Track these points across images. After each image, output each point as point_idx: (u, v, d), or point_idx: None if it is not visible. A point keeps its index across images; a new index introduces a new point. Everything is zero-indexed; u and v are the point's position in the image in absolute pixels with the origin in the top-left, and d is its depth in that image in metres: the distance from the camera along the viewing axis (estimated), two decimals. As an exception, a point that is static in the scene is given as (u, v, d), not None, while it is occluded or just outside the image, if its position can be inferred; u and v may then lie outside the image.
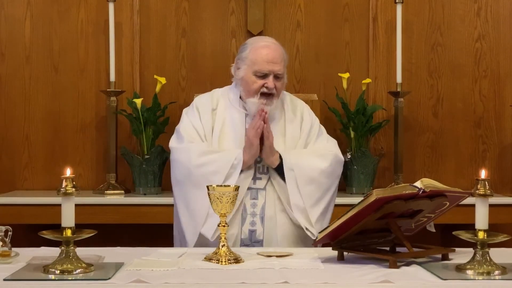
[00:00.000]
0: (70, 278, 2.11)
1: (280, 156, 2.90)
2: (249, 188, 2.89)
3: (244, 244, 2.83)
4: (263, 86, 2.91)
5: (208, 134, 2.97)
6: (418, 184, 2.42)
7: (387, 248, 2.51)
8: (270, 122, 2.96)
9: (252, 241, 2.86)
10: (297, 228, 2.89)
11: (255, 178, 2.92)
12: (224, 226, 2.41)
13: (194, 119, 3.00)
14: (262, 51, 2.92)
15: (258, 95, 2.92)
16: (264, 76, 2.91)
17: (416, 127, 4.46)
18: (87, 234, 2.22)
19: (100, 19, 4.32)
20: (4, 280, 2.09)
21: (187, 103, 4.22)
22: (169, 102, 4.19)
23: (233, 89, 3.05)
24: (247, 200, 2.89)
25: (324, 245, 2.46)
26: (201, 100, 3.07)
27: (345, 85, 4.27)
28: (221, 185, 2.50)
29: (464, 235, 2.27)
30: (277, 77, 2.92)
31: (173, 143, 2.99)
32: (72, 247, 2.18)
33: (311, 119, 3.11)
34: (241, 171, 2.85)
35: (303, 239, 2.88)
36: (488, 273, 2.18)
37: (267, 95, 2.92)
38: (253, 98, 2.93)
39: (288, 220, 2.90)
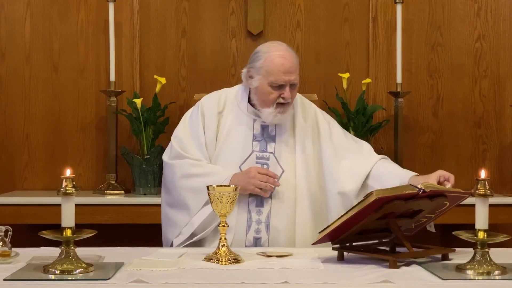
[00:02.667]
0: (70, 278, 2.11)
1: None
2: (254, 195, 2.86)
3: None
4: (279, 96, 2.87)
5: (210, 141, 2.94)
6: (418, 184, 2.43)
7: (387, 248, 2.51)
8: (282, 130, 2.94)
9: None
10: (303, 238, 2.86)
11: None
12: (224, 226, 2.41)
13: (196, 125, 2.97)
14: (278, 61, 2.85)
15: (274, 105, 2.88)
16: (280, 86, 2.86)
17: (416, 127, 4.46)
18: (87, 234, 2.21)
19: (100, 19, 4.32)
20: (4, 280, 2.08)
21: (187, 103, 4.26)
22: (169, 102, 4.19)
23: (241, 92, 3.00)
24: (252, 208, 2.87)
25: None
26: (208, 103, 3.01)
27: (345, 85, 4.27)
28: (221, 185, 2.50)
29: (464, 235, 2.27)
30: (292, 85, 2.88)
31: (164, 155, 3.02)
32: (72, 247, 2.17)
33: (329, 124, 3.06)
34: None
35: (307, 247, 2.86)
36: (488, 273, 2.17)
37: (283, 104, 2.89)
38: (269, 109, 2.88)
39: (293, 228, 2.88)
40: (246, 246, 2.81)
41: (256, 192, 2.81)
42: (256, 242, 2.85)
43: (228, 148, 2.92)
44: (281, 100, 2.87)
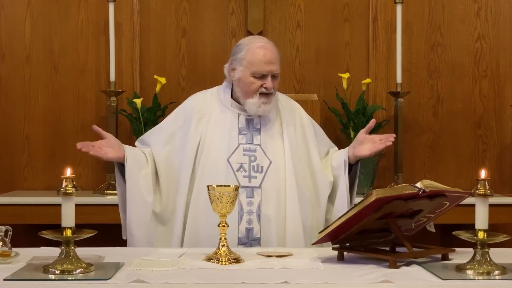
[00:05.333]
0: (70, 278, 2.11)
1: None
2: (244, 187, 2.90)
3: (241, 242, 2.84)
4: (261, 86, 2.92)
5: (178, 143, 3.02)
6: (418, 184, 2.43)
7: (387, 248, 2.51)
8: (266, 123, 2.99)
9: (249, 239, 2.87)
10: (294, 225, 2.90)
11: (249, 177, 2.93)
12: (224, 226, 2.41)
13: (175, 125, 3.07)
14: (259, 51, 2.92)
15: (257, 95, 2.93)
16: (262, 76, 2.92)
17: (416, 127, 4.46)
18: (87, 234, 2.22)
19: (100, 19, 4.32)
20: (4, 280, 2.08)
21: (187, 103, 4.27)
22: (169, 102, 4.19)
23: (224, 89, 3.06)
24: (243, 199, 2.90)
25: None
26: (194, 104, 3.08)
27: (345, 85, 4.27)
28: (221, 185, 2.50)
29: (464, 235, 2.27)
30: (274, 76, 2.94)
31: (138, 139, 3.21)
32: (72, 247, 2.17)
33: (312, 123, 3.15)
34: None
35: (299, 236, 2.90)
36: (488, 273, 2.18)
37: (266, 95, 2.93)
38: (252, 99, 2.93)
39: (284, 217, 2.91)
40: (238, 238, 2.84)
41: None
42: (248, 233, 2.88)
43: (215, 143, 2.96)
44: (264, 90, 2.92)
